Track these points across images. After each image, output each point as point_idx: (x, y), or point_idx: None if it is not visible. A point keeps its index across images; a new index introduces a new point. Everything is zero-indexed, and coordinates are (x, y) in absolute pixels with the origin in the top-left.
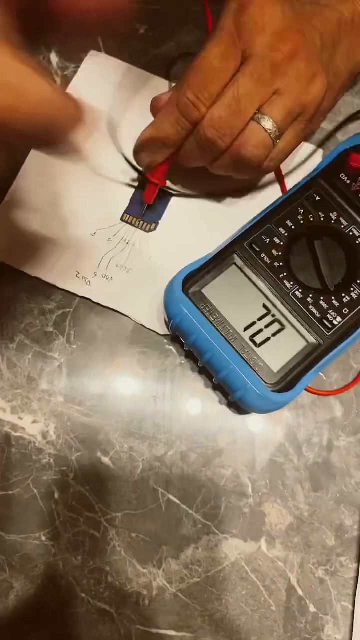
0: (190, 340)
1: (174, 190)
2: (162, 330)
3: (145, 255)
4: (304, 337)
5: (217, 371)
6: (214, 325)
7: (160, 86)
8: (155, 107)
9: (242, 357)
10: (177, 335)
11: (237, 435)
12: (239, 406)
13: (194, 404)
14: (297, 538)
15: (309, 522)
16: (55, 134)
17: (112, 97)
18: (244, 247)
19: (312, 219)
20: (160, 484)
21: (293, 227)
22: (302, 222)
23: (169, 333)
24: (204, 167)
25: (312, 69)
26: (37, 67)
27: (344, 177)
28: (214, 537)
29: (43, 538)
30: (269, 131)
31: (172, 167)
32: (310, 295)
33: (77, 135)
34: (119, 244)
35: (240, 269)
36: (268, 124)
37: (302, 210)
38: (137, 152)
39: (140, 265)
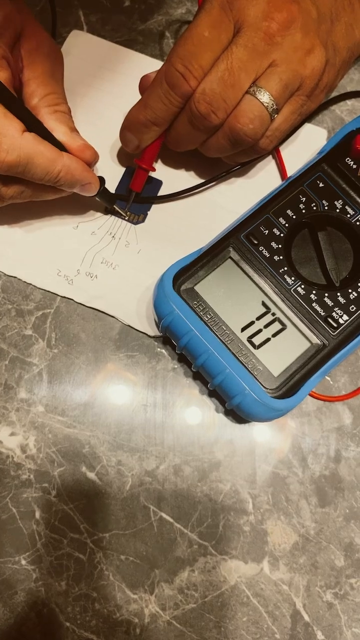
0: (182, 342)
1: (156, 198)
2: (153, 331)
3: (133, 250)
4: (307, 338)
5: (212, 376)
6: (208, 326)
7: (149, 65)
8: (144, 85)
9: (239, 360)
10: (169, 337)
11: (235, 446)
12: (237, 414)
13: (188, 413)
14: (303, 558)
15: (315, 540)
16: (62, 187)
17: (96, 80)
18: (240, 239)
19: (314, 208)
20: (152, 500)
21: (294, 217)
22: (304, 211)
23: (160, 335)
24: (196, 153)
25: (309, 40)
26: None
27: (349, 161)
28: (211, 559)
29: (23, 562)
30: (266, 104)
31: (161, 154)
32: (314, 292)
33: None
34: (104, 238)
35: (236, 263)
36: (264, 97)
37: (304, 199)
38: (123, 132)
39: (127, 260)
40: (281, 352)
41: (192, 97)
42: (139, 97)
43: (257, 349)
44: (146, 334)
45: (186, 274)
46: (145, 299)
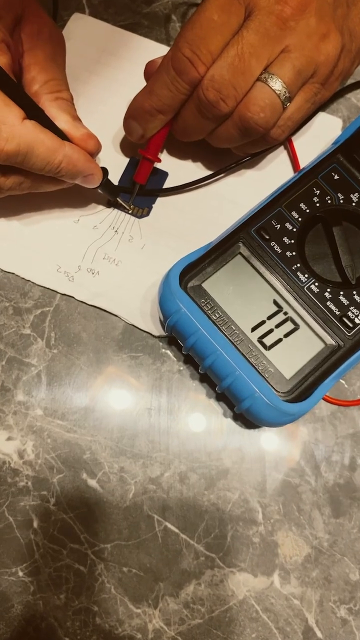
0: (188, 342)
1: (161, 191)
2: (158, 331)
3: (137, 245)
4: (321, 338)
5: (221, 378)
6: (217, 325)
7: (155, 50)
8: (150, 71)
9: (249, 361)
10: (175, 338)
11: (244, 453)
12: (246, 419)
13: (195, 417)
14: (316, 572)
15: (329, 553)
16: (63, 178)
17: (98, 66)
18: (250, 234)
19: (329, 201)
20: (156, 510)
21: (307, 211)
22: (318, 204)
23: (165, 334)
24: (203, 143)
25: (324, 25)
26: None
27: None
28: (218, 572)
29: (20, 574)
30: (278, 92)
31: (167, 144)
32: (328, 290)
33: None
34: (106, 232)
35: (246, 259)
36: (276, 84)
37: (318, 191)
38: (127, 121)
39: (130, 256)
40: (294, 354)
41: (200, 84)
42: (144, 83)
43: (268, 350)
44: (150, 334)
45: (193, 271)
46: (150, 296)
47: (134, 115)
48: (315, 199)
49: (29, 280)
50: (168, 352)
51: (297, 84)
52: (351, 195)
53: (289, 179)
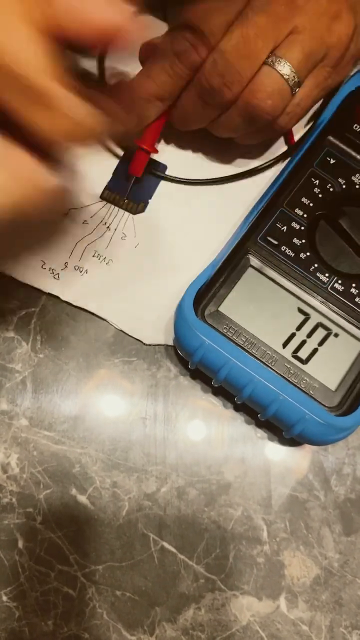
0: (220, 375)
1: (167, 176)
2: (151, 338)
3: (130, 244)
4: (357, 339)
5: (264, 407)
6: (246, 350)
7: (153, 28)
8: (146, 54)
9: (290, 381)
10: (172, 346)
11: (247, 465)
12: (250, 430)
13: (193, 427)
14: (325, 595)
15: (339, 574)
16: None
17: None
18: (257, 242)
19: (331, 189)
20: (152, 528)
21: (311, 205)
22: (320, 195)
23: (159, 343)
24: (204, 132)
25: (335, 4)
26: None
27: (357, 127)
28: (220, 595)
29: (4, 598)
30: (286, 77)
31: (164, 133)
32: (354, 285)
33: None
34: (97, 228)
35: (258, 270)
36: (284, 68)
37: (317, 181)
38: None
39: (123, 255)
40: (333, 362)
41: (202, 68)
42: (140, 67)
43: (306, 363)
44: (141, 342)
45: (206, 296)
46: (142, 300)
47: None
48: (316, 190)
49: (12, 278)
50: (164, 356)
51: (306, 68)
52: (352, 177)
53: (281, 173)
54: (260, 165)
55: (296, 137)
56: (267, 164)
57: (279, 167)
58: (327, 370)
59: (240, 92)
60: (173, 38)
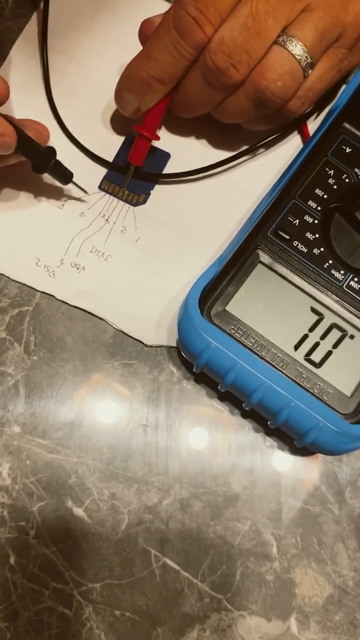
0: (227, 380)
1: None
2: (152, 339)
3: (130, 237)
4: None
5: (274, 413)
6: (255, 352)
7: (154, 7)
8: (146, 33)
9: (302, 386)
10: (178, 349)
11: (256, 476)
12: (258, 437)
13: (198, 435)
14: (339, 615)
15: (354, 593)
16: None
17: (88, 23)
18: (267, 237)
19: (347, 180)
20: (153, 543)
21: (326, 197)
22: (335, 186)
23: (161, 344)
24: (208, 118)
25: None
26: None
27: None
28: (226, 615)
29: None
30: (298, 57)
31: (166, 120)
32: None
33: None
34: (95, 221)
35: (269, 267)
36: (297, 48)
37: (332, 171)
38: (120, 92)
39: (122, 250)
40: (349, 365)
41: (208, 47)
42: (141, 47)
43: (319, 367)
44: (142, 342)
45: (213, 295)
46: (143, 298)
47: (127, 85)
48: (331, 181)
49: (3, 275)
50: (167, 359)
51: (320, 48)
52: None
53: (292, 163)
54: (263, 140)
55: (310, 128)
56: (269, 139)
57: (291, 156)
58: (342, 374)
59: (249, 74)
60: (176, 15)
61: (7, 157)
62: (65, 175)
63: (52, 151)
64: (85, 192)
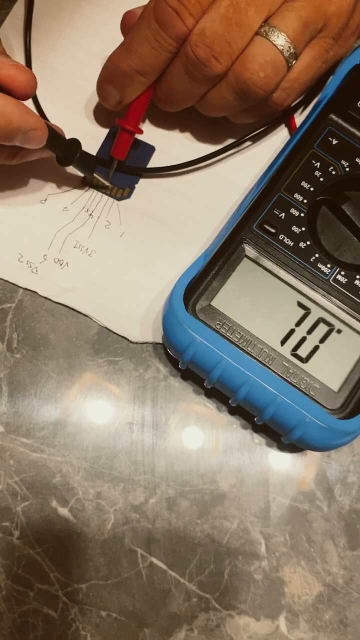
0: (213, 376)
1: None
2: (138, 335)
3: (115, 232)
4: None
5: (260, 409)
6: (241, 348)
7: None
8: (128, 25)
9: (288, 382)
10: (165, 348)
11: (244, 474)
12: (246, 435)
13: (185, 433)
14: (329, 614)
15: (344, 591)
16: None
17: (69, 15)
18: (253, 230)
19: (333, 172)
20: (140, 543)
21: (312, 189)
22: (321, 179)
23: (146, 341)
24: (194, 111)
25: None
26: None
27: None
28: (214, 615)
29: None
30: (280, 48)
31: (150, 112)
32: (358, 276)
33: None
34: (78, 216)
35: (255, 261)
36: (279, 38)
37: (318, 163)
38: (102, 85)
39: (107, 245)
40: (336, 360)
41: (188, 39)
42: (122, 38)
43: (306, 362)
44: (127, 339)
45: (198, 290)
46: (128, 294)
47: (109, 77)
48: (317, 173)
49: None
50: (152, 355)
51: (303, 39)
52: (357, 159)
53: (278, 156)
54: (250, 134)
55: (298, 121)
56: (256, 133)
57: (277, 149)
58: (329, 369)
59: (230, 65)
60: (156, 6)
61: (33, 152)
62: (91, 166)
63: (77, 143)
64: (109, 184)
